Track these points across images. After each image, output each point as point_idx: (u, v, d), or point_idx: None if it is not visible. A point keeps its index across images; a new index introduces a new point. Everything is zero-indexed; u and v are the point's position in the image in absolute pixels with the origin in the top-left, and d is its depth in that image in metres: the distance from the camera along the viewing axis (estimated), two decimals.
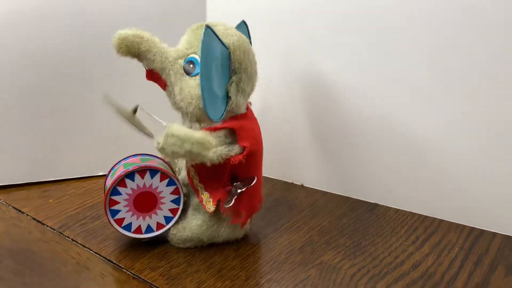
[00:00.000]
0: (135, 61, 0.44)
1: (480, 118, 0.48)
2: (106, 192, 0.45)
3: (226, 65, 0.42)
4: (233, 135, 0.43)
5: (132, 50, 0.42)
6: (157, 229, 0.46)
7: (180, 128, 0.41)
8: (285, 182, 0.63)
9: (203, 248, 0.46)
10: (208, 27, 0.39)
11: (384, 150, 0.55)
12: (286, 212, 0.54)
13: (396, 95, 0.53)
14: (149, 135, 0.48)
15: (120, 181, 0.44)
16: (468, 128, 0.49)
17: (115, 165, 0.49)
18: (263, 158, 0.48)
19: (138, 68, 0.45)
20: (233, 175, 0.45)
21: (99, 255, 0.45)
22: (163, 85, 0.44)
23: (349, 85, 0.56)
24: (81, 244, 0.47)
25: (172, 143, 0.40)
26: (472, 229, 0.51)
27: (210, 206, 0.44)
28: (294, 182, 0.63)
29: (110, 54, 0.43)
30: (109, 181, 0.46)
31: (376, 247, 0.47)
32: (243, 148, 0.43)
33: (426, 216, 0.53)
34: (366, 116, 0.55)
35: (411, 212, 0.54)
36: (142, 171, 0.45)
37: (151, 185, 0.45)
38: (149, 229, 0.46)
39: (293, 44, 0.59)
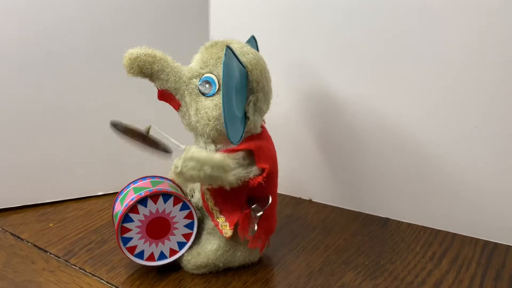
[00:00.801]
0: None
1: (493, 131, 0.48)
2: (118, 219, 0.42)
3: (244, 85, 0.40)
4: (250, 156, 0.42)
5: (144, 70, 0.40)
6: (170, 255, 0.44)
7: (199, 151, 0.39)
8: (293, 197, 0.62)
9: (219, 274, 0.45)
10: (228, 47, 0.37)
11: (393, 164, 0.54)
12: (299, 230, 0.53)
13: (406, 108, 0.52)
14: (167, 150, 0.45)
15: (133, 208, 0.42)
16: (481, 141, 0.49)
17: (123, 189, 0.47)
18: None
19: (146, 83, 0.43)
20: (249, 197, 0.44)
21: (111, 284, 0.43)
22: (176, 105, 0.42)
23: (358, 99, 0.55)
24: (90, 273, 0.45)
25: (191, 167, 0.39)
26: (486, 242, 0.51)
27: (227, 231, 0.43)
28: (302, 197, 0.62)
29: (113, 65, 0.40)
30: (119, 207, 0.44)
31: (395, 266, 0.46)
32: (262, 170, 0.42)
33: (439, 230, 0.53)
34: (375, 130, 0.55)
35: (423, 227, 0.54)
36: (154, 196, 0.43)
37: (164, 210, 0.43)
38: (162, 256, 0.44)
39: (300, 57, 0.58)
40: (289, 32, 0.58)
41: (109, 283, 0.43)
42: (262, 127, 0.45)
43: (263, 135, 0.44)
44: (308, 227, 0.54)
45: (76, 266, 0.46)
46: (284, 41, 0.58)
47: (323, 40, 0.56)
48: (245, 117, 0.41)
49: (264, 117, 0.45)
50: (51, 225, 0.54)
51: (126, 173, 0.49)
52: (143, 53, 0.40)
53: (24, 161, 0.57)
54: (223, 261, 0.44)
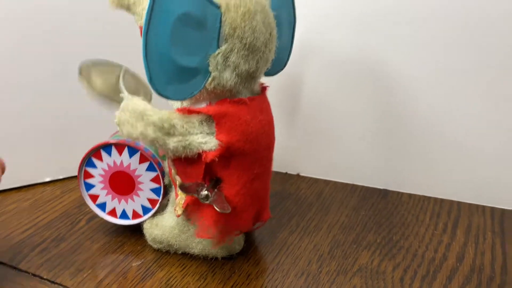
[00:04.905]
0: None
1: (500, 94, 0.44)
2: (80, 160, 0.38)
3: (214, 29, 0.31)
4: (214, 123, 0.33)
5: (122, 1, 0.35)
6: (133, 217, 0.40)
7: (138, 104, 0.33)
8: (278, 173, 0.55)
9: (215, 267, 0.37)
10: None
11: (390, 131, 0.49)
12: (295, 209, 0.47)
13: (405, 68, 0.47)
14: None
15: (96, 152, 0.38)
16: (485, 104, 0.45)
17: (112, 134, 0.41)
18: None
19: None
20: (215, 176, 0.34)
21: None
22: None
23: (350, 55, 0.49)
24: (49, 280, 0.35)
25: (125, 120, 0.33)
26: (493, 209, 0.47)
27: (179, 209, 0.36)
28: (289, 172, 0.55)
29: None
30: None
31: (409, 241, 0.41)
32: (219, 144, 0.33)
33: (442, 199, 0.49)
34: (367, 91, 0.49)
35: (425, 196, 0.49)
36: (120, 146, 0.38)
37: (128, 165, 0.38)
38: (124, 215, 0.40)
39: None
40: None
41: None
42: (263, 91, 0.37)
43: (247, 102, 0.34)
44: (303, 205, 0.48)
45: (29, 273, 0.36)
46: None
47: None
48: (209, 72, 0.32)
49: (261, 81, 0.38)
50: None
51: (79, 152, 0.39)
52: None
53: None
54: (179, 243, 0.38)
